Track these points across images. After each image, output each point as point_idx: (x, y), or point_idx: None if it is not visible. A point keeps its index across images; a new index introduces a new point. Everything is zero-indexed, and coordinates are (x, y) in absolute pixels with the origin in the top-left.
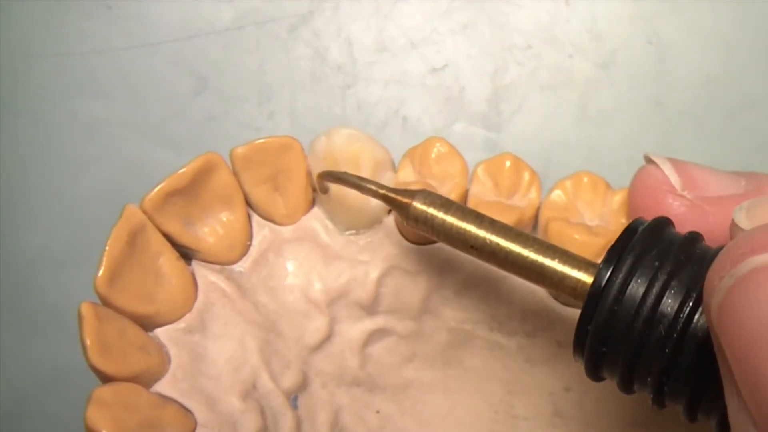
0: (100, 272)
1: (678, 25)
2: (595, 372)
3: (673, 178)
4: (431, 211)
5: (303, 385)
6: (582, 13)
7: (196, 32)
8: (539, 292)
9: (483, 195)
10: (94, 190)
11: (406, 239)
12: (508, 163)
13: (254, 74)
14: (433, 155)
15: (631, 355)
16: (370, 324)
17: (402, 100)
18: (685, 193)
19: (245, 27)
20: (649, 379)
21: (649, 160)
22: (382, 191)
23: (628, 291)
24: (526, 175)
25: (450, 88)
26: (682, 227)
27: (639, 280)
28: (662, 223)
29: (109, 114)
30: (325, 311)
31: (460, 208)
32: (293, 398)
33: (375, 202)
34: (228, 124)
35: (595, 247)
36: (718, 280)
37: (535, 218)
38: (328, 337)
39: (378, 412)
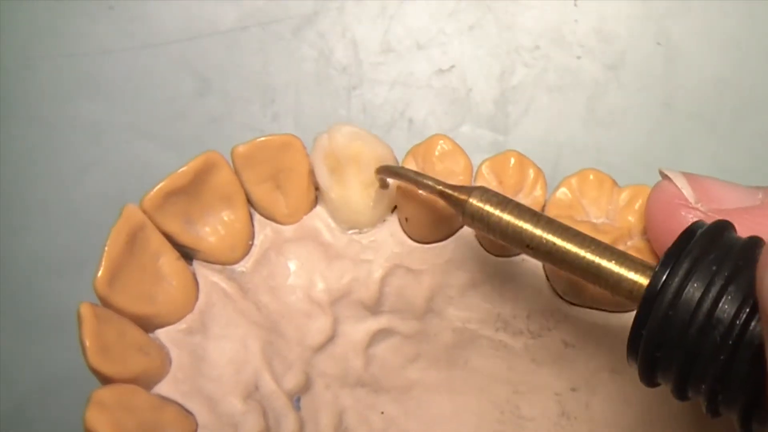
0: (100, 273)
1: (687, 26)
2: (648, 377)
3: (686, 191)
4: (487, 208)
5: (306, 386)
6: (590, 13)
7: (199, 33)
8: (545, 291)
9: None
10: (96, 193)
11: (410, 238)
12: (512, 161)
13: (258, 75)
14: (436, 153)
15: (685, 361)
16: (373, 324)
17: (408, 102)
18: (699, 205)
19: (249, 28)
20: (703, 387)
21: (663, 176)
22: (440, 187)
23: (683, 295)
24: (531, 173)
25: (456, 89)
26: None
27: (695, 285)
28: (722, 227)
29: (111, 116)
30: (328, 311)
31: (517, 206)
32: (296, 399)
33: (378, 201)
34: (231, 125)
35: None
36: None
37: None
38: (331, 338)
39: (382, 413)
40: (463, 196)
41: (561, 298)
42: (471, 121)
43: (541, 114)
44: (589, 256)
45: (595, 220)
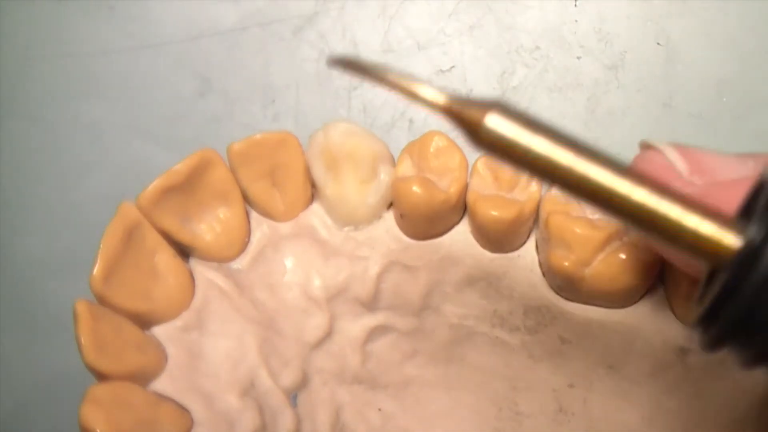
0: (95, 270)
1: (687, 26)
2: (715, 349)
3: (679, 164)
4: (512, 132)
5: (303, 383)
6: (590, 13)
7: (199, 33)
8: (541, 287)
9: (483, 189)
10: (96, 193)
11: (406, 234)
12: None
13: (259, 76)
14: (431, 149)
15: None
16: (370, 320)
17: (408, 102)
18: (693, 179)
19: (249, 28)
20: None
21: (646, 146)
22: (441, 102)
23: None
24: None
25: (457, 90)
26: None
27: None
28: None
29: (111, 116)
30: (325, 308)
31: (549, 130)
32: (293, 396)
33: (374, 197)
34: (232, 126)
35: (596, 241)
36: None
37: (536, 212)
38: (328, 335)
39: (380, 409)
40: (476, 115)
41: (557, 294)
42: None
43: (542, 114)
44: (644, 198)
45: (590, 216)
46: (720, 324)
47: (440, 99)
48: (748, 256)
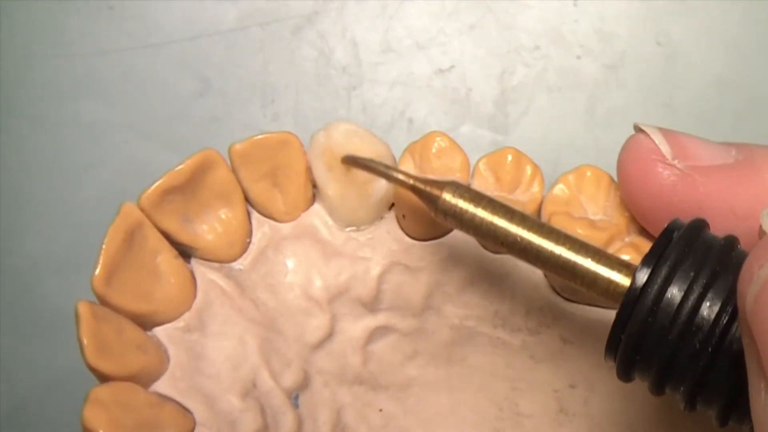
0: (97, 271)
1: (687, 26)
2: (626, 376)
3: (664, 146)
4: (461, 204)
5: (304, 383)
6: (590, 13)
7: (199, 33)
8: (542, 288)
9: (485, 190)
10: (96, 193)
11: (408, 235)
12: (509, 157)
13: (258, 75)
14: (433, 150)
15: (664, 365)
16: (371, 321)
17: (408, 102)
18: (675, 162)
19: (249, 28)
20: (681, 388)
21: (638, 129)
22: (411, 181)
23: (664, 300)
24: (528, 169)
25: (456, 89)
26: (672, 198)
27: (675, 290)
28: (699, 227)
29: (111, 116)
30: (326, 309)
31: (490, 202)
32: (294, 397)
33: (375, 198)
34: (232, 125)
35: (598, 242)
36: (758, 267)
37: (538, 213)
38: (329, 335)
39: (381, 410)
40: (436, 192)
41: (558, 294)
42: (471, 121)
43: (541, 114)
44: (565, 254)
45: (592, 217)
46: (618, 357)
47: (409, 180)
48: (629, 299)
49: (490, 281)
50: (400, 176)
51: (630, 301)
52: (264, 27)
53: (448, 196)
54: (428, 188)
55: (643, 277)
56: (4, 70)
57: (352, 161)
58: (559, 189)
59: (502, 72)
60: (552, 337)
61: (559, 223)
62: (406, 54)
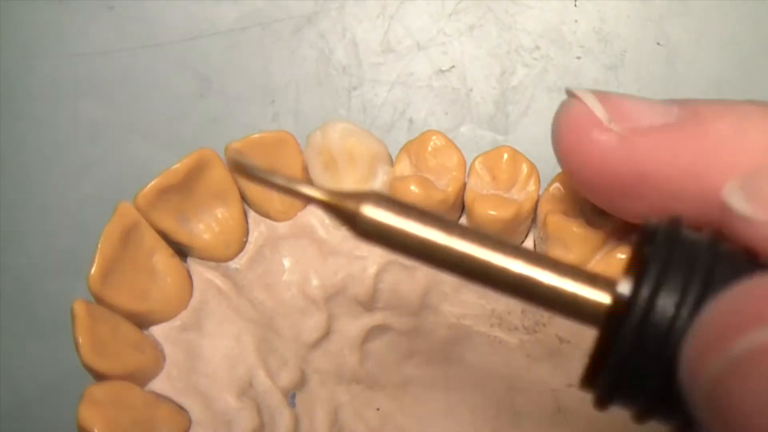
0: (93, 270)
1: (688, 27)
2: (604, 406)
3: (598, 110)
4: (386, 219)
5: (301, 382)
6: (590, 13)
7: (199, 33)
8: None
9: (481, 188)
10: (96, 194)
11: None
12: (506, 156)
13: (258, 76)
14: (429, 148)
15: (657, 392)
16: (368, 320)
17: (408, 102)
18: (612, 125)
19: (249, 28)
20: (678, 416)
21: (570, 95)
22: (319, 196)
23: (654, 317)
24: (525, 168)
25: (457, 89)
26: (611, 164)
27: (667, 302)
28: (674, 229)
29: (111, 116)
30: (323, 308)
31: (421, 214)
32: (291, 396)
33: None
34: (232, 126)
35: (595, 240)
36: (714, 353)
37: (534, 211)
38: (326, 334)
39: (378, 409)
40: (352, 206)
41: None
42: (471, 121)
43: (542, 114)
44: (518, 268)
45: (589, 215)
46: (598, 385)
47: (319, 194)
48: (615, 313)
49: None
50: (307, 191)
51: (613, 320)
52: (264, 27)
53: (369, 210)
54: (341, 203)
55: (626, 289)
56: (3, 70)
57: (236, 167)
58: (555, 188)
59: (502, 72)
60: (549, 336)
61: (555, 221)
62: (407, 54)
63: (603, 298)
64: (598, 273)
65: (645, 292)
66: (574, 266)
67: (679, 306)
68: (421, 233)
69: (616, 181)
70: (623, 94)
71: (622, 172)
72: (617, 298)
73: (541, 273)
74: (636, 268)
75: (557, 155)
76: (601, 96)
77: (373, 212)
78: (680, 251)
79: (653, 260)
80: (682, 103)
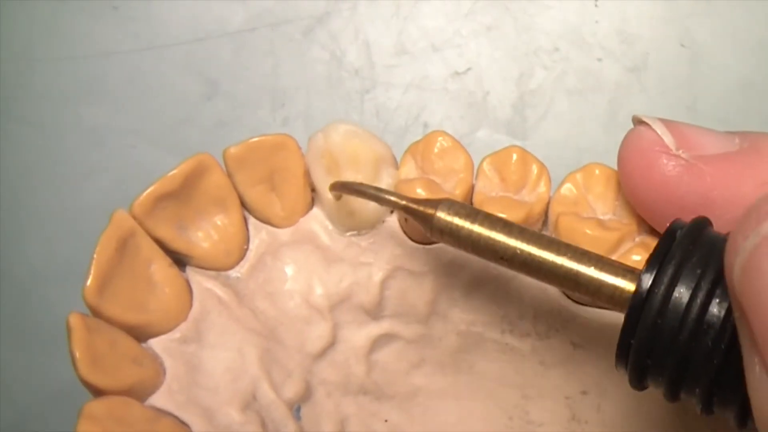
0: (89, 281)
1: (712, 27)
2: (639, 383)
3: (667, 137)
4: (456, 221)
5: (306, 394)
6: (612, 14)
7: (206, 34)
8: (551, 290)
9: (489, 190)
10: (100, 200)
11: (411, 239)
12: (515, 157)
13: (267, 78)
14: (435, 150)
15: (677, 367)
16: (375, 329)
17: (423, 106)
18: (680, 152)
19: (258, 29)
20: (697, 390)
21: (639, 121)
22: (403, 202)
23: (671, 301)
24: (535, 169)
25: (473, 93)
26: (678, 189)
27: (682, 290)
28: (701, 225)
29: (115, 120)
30: (328, 317)
31: (487, 217)
32: (296, 409)
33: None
34: (240, 130)
35: (608, 242)
36: (743, 239)
37: (545, 213)
38: (331, 344)
39: (386, 421)
40: (429, 211)
41: (568, 297)
42: (488, 125)
43: (561, 118)
44: (567, 263)
45: (601, 217)
46: (629, 363)
47: (401, 201)
48: (635, 304)
49: (496, 284)
50: (392, 198)
51: (637, 304)
52: (274, 28)
53: (442, 214)
54: (422, 207)
55: (648, 279)
56: (5, 73)
57: (341, 187)
58: (567, 188)
59: (520, 75)
60: (562, 342)
61: (567, 223)
62: (421, 56)
63: (630, 286)
64: (630, 266)
65: (665, 278)
66: (612, 260)
67: (694, 291)
68: (485, 232)
69: (681, 205)
70: (688, 123)
71: (686, 196)
72: (640, 285)
73: (584, 267)
74: (658, 260)
75: (622, 178)
76: (669, 124)
77: (446, 215)
78: (701, 246)
79: (674, 252)
80: (742, 134)
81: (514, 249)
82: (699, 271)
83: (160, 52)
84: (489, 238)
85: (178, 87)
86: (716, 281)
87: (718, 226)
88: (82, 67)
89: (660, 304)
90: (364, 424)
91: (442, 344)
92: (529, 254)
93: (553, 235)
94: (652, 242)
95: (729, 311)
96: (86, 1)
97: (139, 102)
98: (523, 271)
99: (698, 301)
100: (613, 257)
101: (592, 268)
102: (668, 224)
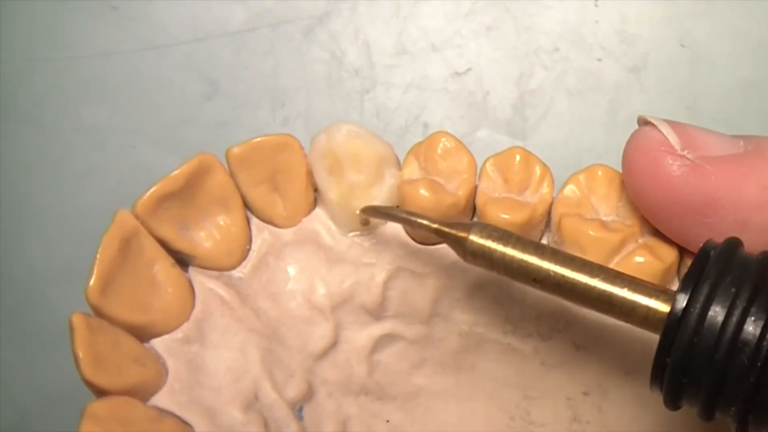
0: (92, 281)
1: (712, 27)
2: (674, 402)
3: (672, 138)
4: (489, 244)
5: (308, 395)
6: (612, 14)
7: (206, 34)
8: None
9: (492, 191)
10: (100, 200)
11: (413, 239)
12: (518, 158)
13: (268, 78)
14: (439, 150)
15: (713, 386)
16: (377, 329)
17: (423, 106)
18: (685, 153)
19: (258, 29)
20: (732, 409)
21: (644, 122)
22: (435, 225)
23: (707, 320)
24: (538, 170)
25: (473, 93)
26: (683, 189)
27: (717, 308)
28: (733, 245)
29: (115, 120)
30: (330, 317)
31: (519, 240)
32: (298, 409)
33: (379, 201)
34: (240, 130)
35: (611, 244)
36: None
37: (548, 215)
38: (333, 344)
39: (388, 421)
40: (462, 234)
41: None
42: (488, 125)
43: (561, 118)
44: (600, 285)
45: (604, 218)
46: (665, 382)
47: (433, 224)
48: (671, 324)
49: (499, 286)
50: (424, 221)
51: (673, 324)
52: (274, 28)
53: (475, 238)
54: (454, 231)
55: (683, 299)
56: (4, 73)
57: (371, 212)
58: (570, 190)
59: (520, 75)
60: (564, 343)
61: (570, 225)
62: (421, 56)
63: (663, 307)
64: (663, 287)
65: (701, 297)
66: (644, 281)
67: (730, 310)
68: (518, 255)
69: (686, 206)
70: (693, 125)
71: (692, 197)
72: (675, 304)
73: (618, 289)
74: (693, 279)
75: (627, 178)
76: (674, 124)
77: (478, 238)
78: (734, 265)
79: (709, 271)
80: (747, 138)
81: (547, 271)
82: (734, 290)
83: (160, 52)
84: (522, 261)
85: (178, 87)
86: (751, 300)
87: (722, 228)
88: (82, 67)
89: (696, 323)
90: (365, 425)
91: (444, 345)
92: (562, 276)
93: (556, 237)
94: (655, 243)
95: (764, 329)
96: (86, 1)
97: (139, 102)
98: (555, 293)
99: (734, 319)
100: (616, 258)
101: (626, 289)
102: (701, 245)
